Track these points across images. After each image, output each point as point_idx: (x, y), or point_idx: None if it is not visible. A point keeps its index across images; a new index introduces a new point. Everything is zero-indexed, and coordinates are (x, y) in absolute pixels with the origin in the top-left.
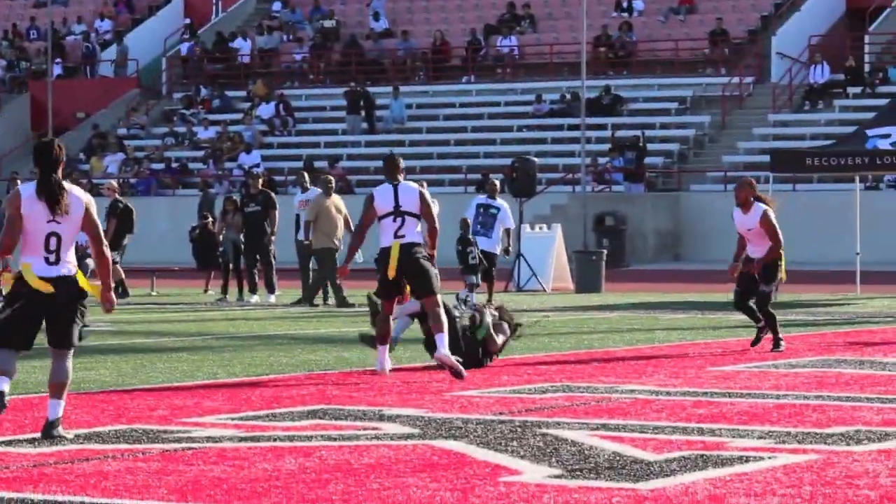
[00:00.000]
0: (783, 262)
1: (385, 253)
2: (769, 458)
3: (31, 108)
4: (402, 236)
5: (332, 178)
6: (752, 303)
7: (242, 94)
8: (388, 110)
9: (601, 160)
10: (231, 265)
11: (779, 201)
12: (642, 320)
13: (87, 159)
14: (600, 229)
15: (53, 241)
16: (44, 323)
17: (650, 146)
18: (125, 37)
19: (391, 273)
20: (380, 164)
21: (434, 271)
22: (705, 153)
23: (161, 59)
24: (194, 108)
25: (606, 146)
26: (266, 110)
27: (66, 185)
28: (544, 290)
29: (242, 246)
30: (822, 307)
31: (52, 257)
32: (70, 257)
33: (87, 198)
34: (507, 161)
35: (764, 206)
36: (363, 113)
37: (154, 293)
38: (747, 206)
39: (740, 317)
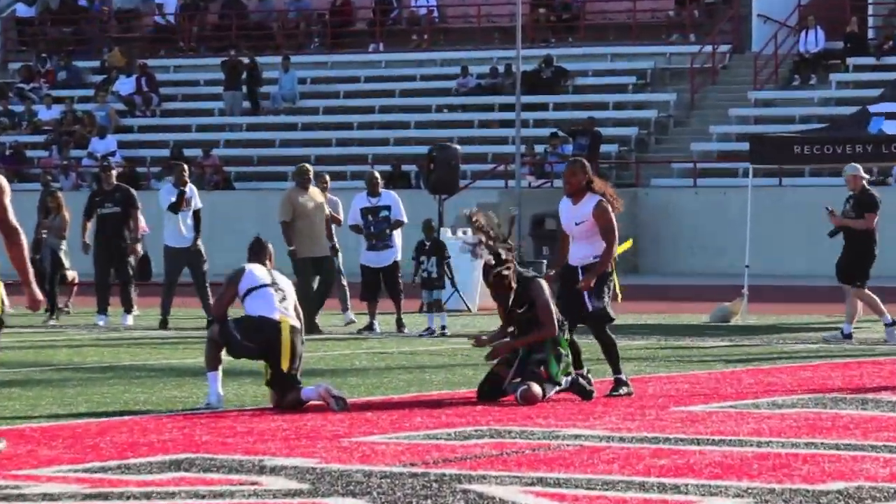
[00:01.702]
0: (615, 277)
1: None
2: None
3: None
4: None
5: (308, 166)
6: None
7: (95, 64)
8: (276, 85)
9: (539, 147)
10: (48, 279)
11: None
12: (590, 347)
13: None
14: (539, 234)
15: None
16: None
17: (602, 131)
18: None
19: None
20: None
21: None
22: (669, 140)
23: None
24: (35, 81)
25: (546, 131)
26: (124, 85)
27: None
28: (469, 310)
29: (62, 254)
30: (814, 331)
31: None
32: None
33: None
34: (424, 149)
35: (599, 196)
36: (245, 88)
37: None
38: (579, 195)
39: (714, 343)
